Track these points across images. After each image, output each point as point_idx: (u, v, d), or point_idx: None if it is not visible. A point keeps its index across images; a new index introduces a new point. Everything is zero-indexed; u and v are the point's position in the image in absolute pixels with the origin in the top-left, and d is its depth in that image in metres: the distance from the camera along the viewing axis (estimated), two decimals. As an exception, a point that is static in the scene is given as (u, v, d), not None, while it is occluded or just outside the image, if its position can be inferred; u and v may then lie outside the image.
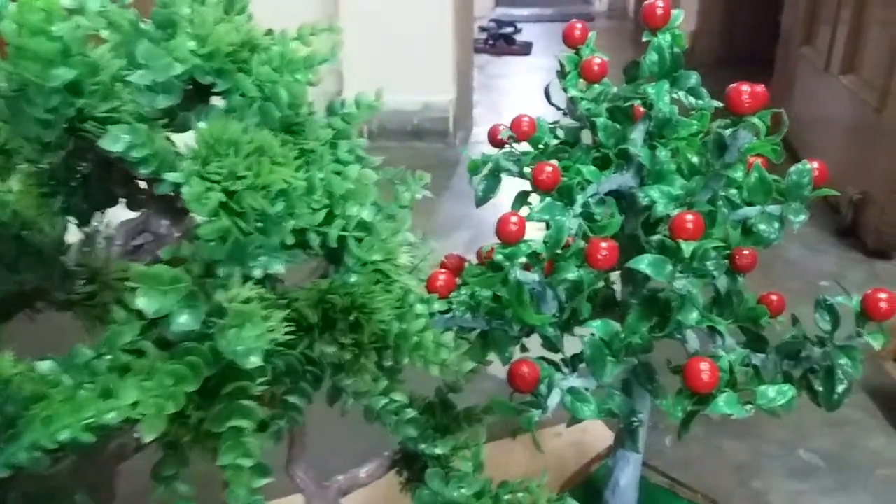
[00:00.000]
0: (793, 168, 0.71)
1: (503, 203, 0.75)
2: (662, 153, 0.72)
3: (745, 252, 0.77)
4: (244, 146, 0.49)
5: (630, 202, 0.74)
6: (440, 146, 2.63)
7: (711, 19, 4.01)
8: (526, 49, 4.61)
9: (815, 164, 0.71)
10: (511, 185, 0.78)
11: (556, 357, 0.74)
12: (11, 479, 0.39)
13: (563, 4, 6.20)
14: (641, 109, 0.74)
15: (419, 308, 0.62)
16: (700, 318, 0.68)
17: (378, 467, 0.72)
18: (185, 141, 0.50)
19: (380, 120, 2.64)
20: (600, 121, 0.74)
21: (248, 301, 0.47)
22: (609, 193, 0.74)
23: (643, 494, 0.94)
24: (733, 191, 0.73)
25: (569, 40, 0.78)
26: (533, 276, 0.67)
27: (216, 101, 0.55)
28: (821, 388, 0.69)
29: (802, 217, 0.69)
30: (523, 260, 0.67)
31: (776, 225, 0.70)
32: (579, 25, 0.78)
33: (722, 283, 0.78)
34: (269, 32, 0.56)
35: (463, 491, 0.60)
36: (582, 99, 0.76)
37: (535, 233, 0.68)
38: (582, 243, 0.67)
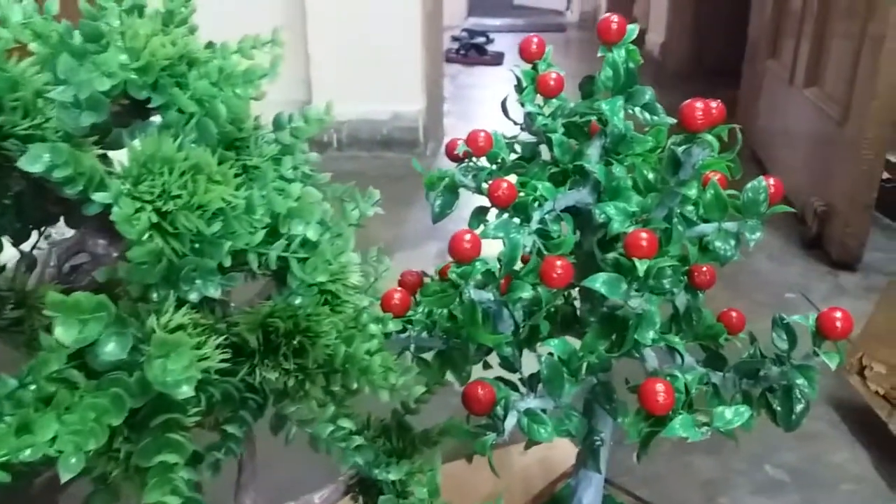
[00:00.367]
0: (749, 185, 0.70)
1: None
2: (618, 169, 0.71)
3: (704, 269, 0.77)
4: (179, 164, 0.47)
5: (587, 219, 0.73)
6: (410, 156, 2.61)
7: (681, 31, 4.05)
8: (498, 59, 4.62)
9: (772, 181, 0.71)
10: (477, 201, 0.76)
11: (515, 376, 0.72)
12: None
13: (535, 15, 6.24)
14: (598, 125, 0.73)
15: (373, 328, 0.60)
16: (657, 336, 0.67)
17: (333, 492, 0.70)
18: (122, 159, 0.48)
19: (349, 129, 2.62)
20: (556, 136, 0.73)
21: (180, 327, 0.45)
22: (566, 210, 0.73)
23: (607, 513, 0.93)
24: (690, 207, 0.72)
25: (525, 55, 0.77)
26: (487, 295, 0.65)
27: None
28: (779, 408, 0.69)
29: (758, 234, 0.69)
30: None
31: (732, 242, 0.70)
32: (535, 40, 0.77)
33: (681, 300, 0.77)
34: (210, 45, 0.54)
35: (414, 518, 0.58)
36: (538, 114, 0.75)
37: (497, 248, 0.67)
38: (537, 261, 0.66)
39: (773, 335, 0.68)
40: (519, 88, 0.78)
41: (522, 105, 0.77)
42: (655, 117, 0.70)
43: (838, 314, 0.65)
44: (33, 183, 0.52)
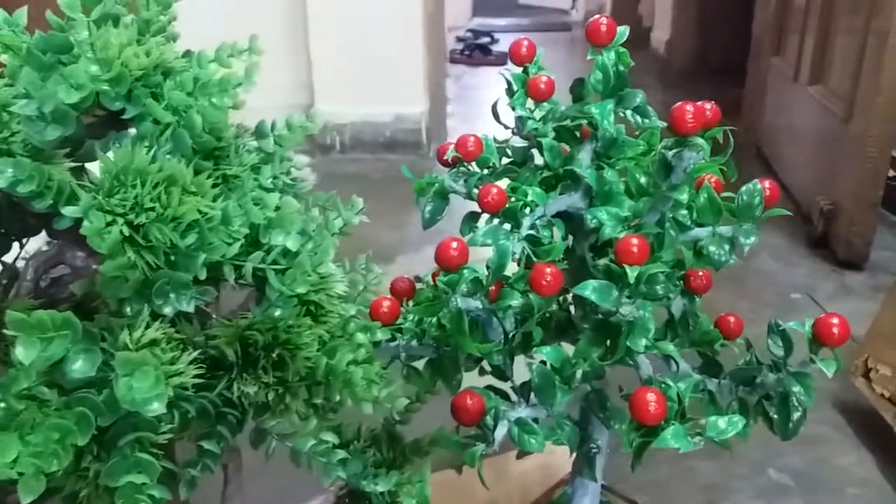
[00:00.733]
0: (743, 188, 0.69)
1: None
2: (609, 174, 0.70)
3: (700, 273, 0.75)
4: (152, 176, 0.46)
5: (578, 224, 0.72)
6: (413, 158, 2.60)
7: (686, 29, 4.02)
8: (503, 59, 4.61)
9: (767, 184, 0.70)
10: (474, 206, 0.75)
11: (507, 385, 0.71)
12: None
13: (540, 14, 6.22)
14: (589, 129, 0.72)
15: (360, 337, 0.60)
16: (650, 344, 0.66)
17: (323, 503, 0.69)
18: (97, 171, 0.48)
19: (352, 132, 2.61)
20: (546, 141, 0.71)
21: (154, 342, 0.44)
22: (557, 215, 0.72)
23: (606, 521, 0.92)
24: (683, 212, 0.71)
25: (515, 58, 0.76)
26: (476, 303, 0.64)
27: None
28: (776, 416, 0.67)
29: (753, 239, 0.67)
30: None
31: (726, 247, 0.68)
32: (526, 42, 0.76)
33: (677, 305, 0.76)
34: (186, 54, 0.54)
35: (399, 532, 0.57)
36: (528, 118, 0.74)
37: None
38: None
39: (768, 341, 0.67)
40: (510, 92, 0.77)
41: (513, 109, 0.76)
42: (647, 120, 0.69)
43: (835, 320, 0.63)
44: (7, 196, 0.52)
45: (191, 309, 0.45)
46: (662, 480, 1.13)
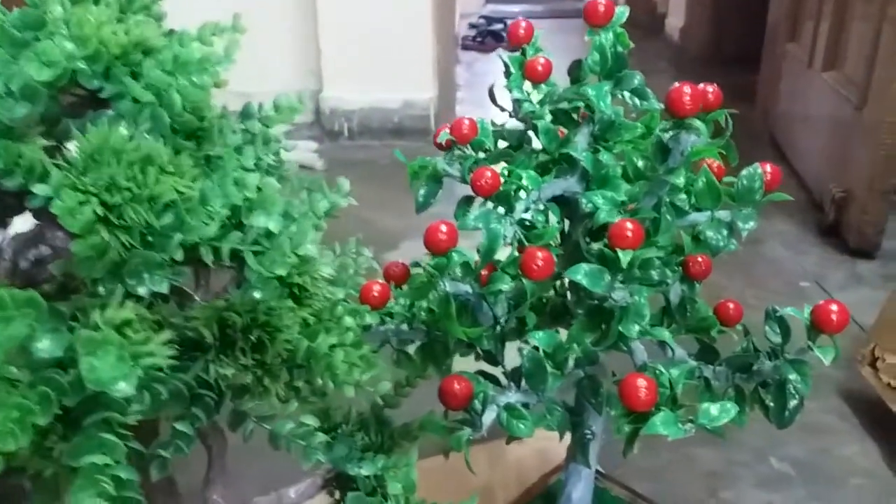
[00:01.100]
0: (743, 172, 0.67)
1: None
2: (605, 157, 0.68)
3: (699, 259, 0.74)
4: (129, 155, 0.45)
5: (574, 209, 0.71)
6: (421, 144, 2.59)
7: (701, 16, 3.97)
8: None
9: (768, 168, 0.68)
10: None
11: (498, 370, 0.71)
12: None
13: (554, 1, 6.16)
14: (587, 112, 0.70)
15: (348, 321, 0.59)
16: (644, 329, 0.64)
17: (310, 487, 0.68)
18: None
19: (360, 118, 2.60)
20: (542, 123, 0.70)
21: (126, 322, 0.44)
22: (554, 200, 0.71)
23: (602, 508, 0.91)
24: (682, 196, 0.69)
25: (513, 39, 0.75)
26: (465, 287, 0.63)
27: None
28: (772, 404, 0.66)
29: (752, 224, 0.66)
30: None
31: (724, 232, 0.67)
32: (524, 24, 0.75)
33: (676, 291, 0.75)
34: (169, 33, 0.53)
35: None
36: (525, 101, 0.72)
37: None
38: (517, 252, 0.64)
39: (765, 328, 0.65)
40: (507, 74, 0.75)
41: (510, 91, 0.74)
42: (645, 102, 0.68)
43: (834, 307, 0.62)
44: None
45: (164, 290, 0.45)
46: (662, 467, 1.12)
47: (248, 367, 0.49)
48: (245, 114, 0.59)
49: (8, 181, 0.41)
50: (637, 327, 0.63)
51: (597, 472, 0.95)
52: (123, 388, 0.39)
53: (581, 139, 0.70)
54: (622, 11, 0.68)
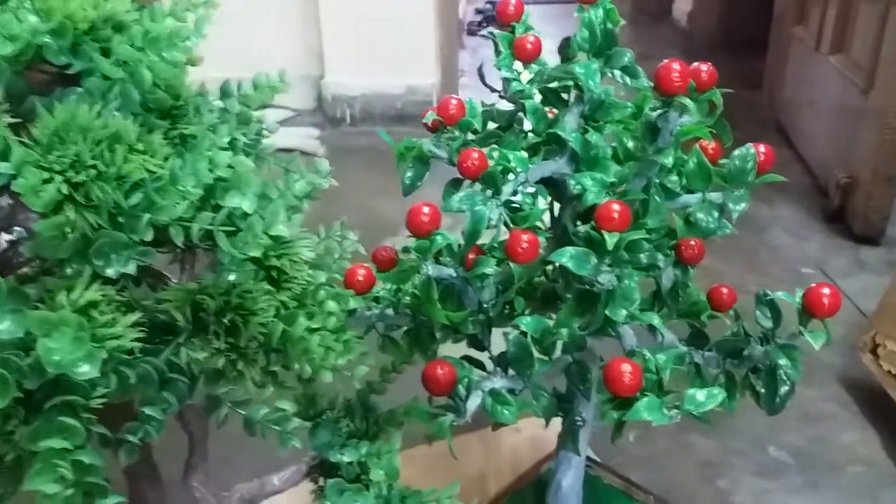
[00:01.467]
0: (736, 152, 0.66)
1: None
2: (595, 137, 0.67)
3: (692, 243, 0.72)
4: (96, 132, 0.44)
5: (563, 191, 0.69)
6: (424, 131, 2.57)
7: (709, 1, 3.92)
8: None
9: (762, 148, 0.66)
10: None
11: (485, 355, 0.69)
12: None
13: (561, -14, 6.09)
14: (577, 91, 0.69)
15: (331, 305, 0.58)
16: (632, 313, 0.63)
17: (294, 473, 0.68)
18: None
19: (362, 104, 2.58)
20: (530, 103, 0.69)
21: (92, 304, 0.43)
22: (543, 182, 0.70)
23: (594, 496, 0.90)
24: (673, 178, 0.68)
25: (502, 17, 0.73)
26: (449, 271, 0.62)
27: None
28: (763, 390, 0.65)
29: (743, 205, 0.64)
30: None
31: (715, 214, 0.66)
32: (514, 1, 0.73)
33: (668, 275, 0.73)
34: (141, 8, 0.51)
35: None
36: (513, 80, 0.71)
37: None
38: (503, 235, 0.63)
39: (756, 313, 0.64)
40: (497, 52, 0.74)
41: (499, 70, 0.73)
42: (636, 80, 0.66)
43: (826, 290, 0.60)
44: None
45: (132, 270, 0.44)
46: (659, 455, 1.11)
47: (221, 351, 0.48)
48: (223, 92, 0.58)
49: (-33, 158, 0.40)
50: (624, 311, 0.61)
51: (589, 459, 0.94)
52: (86, 370, 0.38)
53: (571, 119, 0.68)
54: (612, -12, 0.66)
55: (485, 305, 0.65)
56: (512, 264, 0.65)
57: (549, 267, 0.76)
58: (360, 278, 0.68)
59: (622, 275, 0.62)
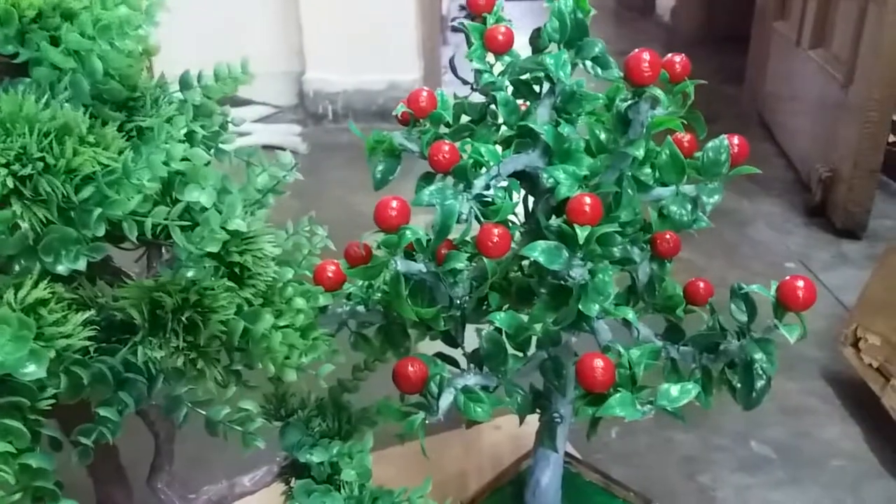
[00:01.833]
0: (709, 144, 0.65)
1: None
2: (567, 130, 0.66)
3: (667, 236, 0.71)
4: (43, 124, 0.43)
5: (536, 184, 0.68)
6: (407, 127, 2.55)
7: (692, -5, 3.92)
8: (505, 28, 4.51)
9: (736, 140, 0.66)
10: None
11: (458, 352, 0.68)
12: None
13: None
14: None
15: (298, 302, 0.56)
16: (607, 308, 0.62)
17: (266, 474, 0.66)
18: None
19: (344, 100, 2.56)
20: (501, 95, 0.68)
21: (41, 302, 0.41)
22: (516, 175, 0.68)
23: (574, 493, 0.89)
24: (647, 170, 0.67)
25: (473, 8, 0.72)
26: (419, 266, 0.61)
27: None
28: (739, 385, 0.64)
29: (717, 198, 0.64)
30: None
31: (688, 206, 0.65)
32: (484, -9, 0.72)
33: (644, 269, 0.72)
34: (96, -5, 0.50)
35: (327, 505, 0.54)
36: (484, 72, 0.70)
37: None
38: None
39: (731, 306, 0.63)
40: (469, 43, 0.73)
41: (470, 62, 0.72)
42: (606, 71, 0.65)
43: (800, 283, 0.59)
44: None
45: (81, 267, 0.42)
46: (640, 451, 1.10)
47: (179, 350, 0.47)
48: (182, 83, 0.56)
49: None
50: (597, 306, 0.60)
51: (569, 456, 0.93)
52: (32, 370, 0.37)
53: (543, 112, 0.67)
54: (581, -24, 0.65)
55: (457, 301, 0.64)
56: (485, 259, 0.64)
57: (526, 262, 0.75)
58: (330, 275, 0.66)
59: (596, 269, 0.61)
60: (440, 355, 0.67)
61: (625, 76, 0.58)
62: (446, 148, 0.65)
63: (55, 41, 0.47)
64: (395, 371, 0.60)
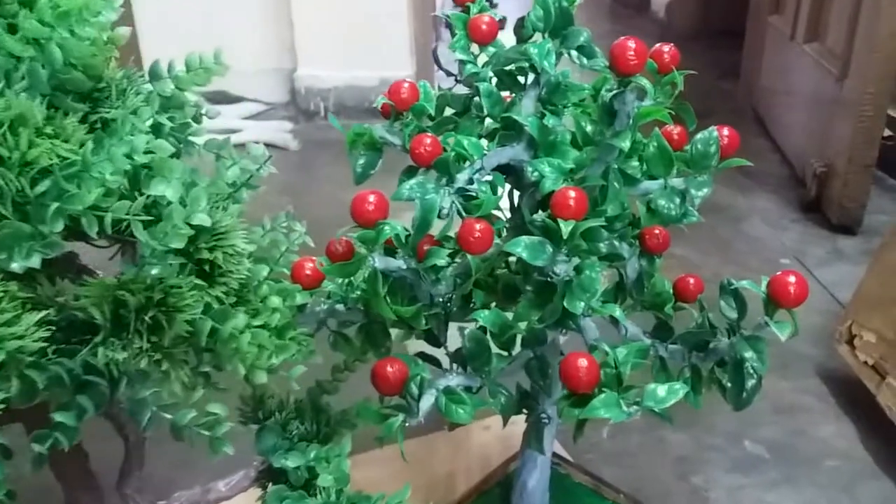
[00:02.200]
0: (698, 136, 0.63)
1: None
2: (552, 122, 0.64)
3: (657, 232, 0.70)
4: (-4, 115, 0.41)
5: (521, 178, 0.66)
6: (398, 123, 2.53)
7: (687, -9, 3.90)
8: (500, 24, 4.49)
9: (726, 132, 0.64)
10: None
11: (441, 352, 0.66)
12: None
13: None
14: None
15: (274, 301, 0.55)
16: (593, 306, 0.60)
17: (242, 479, 0.64)
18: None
19: (336, 97, 2.54)
20: (484, 86, 0.66)
21: (-8, 301, 0.39)
22: (500, 169, 0.66)
23: (563, 495, 0.87)
24: (635, 163, 0.65)
25: (457, -3, 0.70)
26: (398, 263, 0.59)
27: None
28: (729, 384, 0.62)
29: (705, 191, 0.62)
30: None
31: (677, 200, 0.63)
32: (469, -21, 0.70)
33: (633, 266, 0.71)
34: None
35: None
36: (468, 62, 0.68)
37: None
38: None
39: (720, 303, 0.61)
40: (452, 33, 0.71)
41: (454, 52, 0.70)
42: (592, 60, 0.63)
43: (791, 278, 0.57)
44: None
45: (35, 264, 0.40)
46: (632, 451, 1.09)
47: (143, 351, 0.45)
48: (152, 74, 0.54)
49: None
50: (583, 303, 0.58)
51: (558, 457, 0.91)
52: (-24, 374, 0.35)
53: (528, 103, 0.65)
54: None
55: (439, 299, 0.62)
56: (469, 256, 0.62)
57: (513, 258, 0.73)
58: (308, 272, 0.64)
59: (582, 265, 0.60)
60: (422, 355, 0.65)
61: (610, 65, 0.57)
62: (428, 141, 0.63)
63: (13, 29, 0.44)
64: (373, 372, 0.58)
